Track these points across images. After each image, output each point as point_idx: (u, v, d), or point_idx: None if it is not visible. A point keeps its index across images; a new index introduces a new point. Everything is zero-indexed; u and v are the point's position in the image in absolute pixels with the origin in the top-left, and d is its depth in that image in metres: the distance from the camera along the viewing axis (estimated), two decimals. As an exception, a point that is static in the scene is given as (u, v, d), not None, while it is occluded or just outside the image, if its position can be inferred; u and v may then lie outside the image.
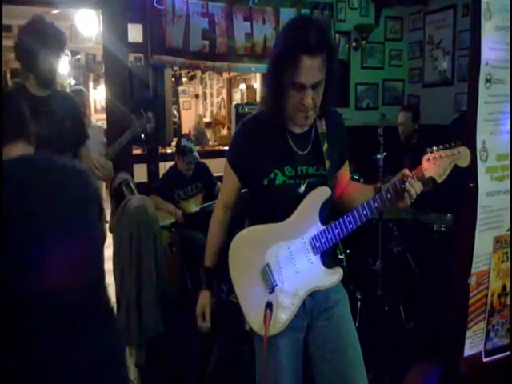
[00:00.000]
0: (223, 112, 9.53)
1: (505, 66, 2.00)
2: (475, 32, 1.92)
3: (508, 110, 2.02)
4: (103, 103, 6.70)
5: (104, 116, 4.30)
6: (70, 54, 5.65)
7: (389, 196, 1.45)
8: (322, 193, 1.50)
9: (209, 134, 8.67)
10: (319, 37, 1.34)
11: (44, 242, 1.12)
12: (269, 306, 1.44)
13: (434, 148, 1.48)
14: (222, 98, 9.67)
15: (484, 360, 2.11)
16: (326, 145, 1.53)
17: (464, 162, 1.51)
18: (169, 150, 4.43)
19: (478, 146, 1.95)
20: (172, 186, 3.67)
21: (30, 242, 1.10)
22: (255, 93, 7.54)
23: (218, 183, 3.74)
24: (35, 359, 1.12)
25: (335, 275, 1.52)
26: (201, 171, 3.79)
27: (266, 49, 4.24)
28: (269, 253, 1.49)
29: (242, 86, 8.76)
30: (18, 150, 1.25)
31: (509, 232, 2.10)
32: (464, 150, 1.50)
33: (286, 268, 1.49)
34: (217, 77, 9.47)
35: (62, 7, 4.23)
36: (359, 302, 3.07)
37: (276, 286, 1.48)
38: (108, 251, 2.50)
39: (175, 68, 5.91)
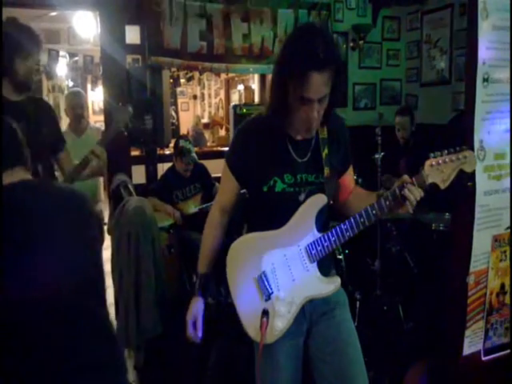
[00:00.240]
0: (221, 113, 9.53)
1: (502, 65, 2.00)
2: (472, 31, 1.93)
3: (505, 109, 2.03)
4: (101, 105, 6.69)
5: (102, 118, 4.29)
6: (67, 55, 5.65)
7: (387, 203, 1.42)
8: (319, 200, 1.49)
9: (207, 134, 8.67)
10: (328, 52, 1.32)
11: (44, 260, 1.14)
12: (265, 313, 1.44)
13: (438, 153, 1.42)
14: (220, 99, 9.67)
15: (483, 359, 2.11)
16: (326, 151, 1.52)
17: (470, 168, 1.45)
18: (167, 152, 4.43)
19: (476, 145, 1.96)
20: (170, 187, 3.67)
21: (30, 262, 1.12)
22: (253, 93, 7.54)
23: (217, 184, 3.74)
24: (35, 359, 1.13)
25: (332, 284, 1.50)
26: (199, 172, 3.79)
27: (263, 50, 4.24)
28: (265, 260, 1.49)
29: (240, 87, 8.76)
30: (16, 176, 1.25)
31: (507, 231, 2.10)
32: (470, 155, 1.44)
33: (281, 275, 1.48)
34: (215, 78, 9.47)
35: (60, 9, 4.23)
36: (358, 302, 3.07)
37: (272, 293, 1.47)
38: (106, 253, 2.49)
39: (173, 69, 5.90)
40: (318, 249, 1.46)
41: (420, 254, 3.36)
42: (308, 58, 1.31)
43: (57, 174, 2.46)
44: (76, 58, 6.05)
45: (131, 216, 2.70)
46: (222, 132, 8.89)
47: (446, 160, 1.41)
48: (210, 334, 1.70)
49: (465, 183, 1.93)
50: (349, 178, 1.67)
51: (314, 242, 1.47)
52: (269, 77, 4.44)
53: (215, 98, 9.96)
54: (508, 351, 2.14)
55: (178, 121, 8.37)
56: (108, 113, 3.17)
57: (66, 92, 5.95)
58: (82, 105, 3.69)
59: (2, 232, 1.12)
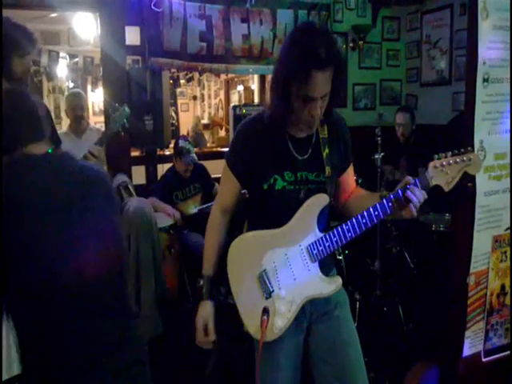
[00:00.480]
0: (221, 113, 9.52)
1: (502, 65, 2.00)
2: (472, 31, 1.92)
3: (505, 109, 2.02)
4: (101, 106, 6.69)
5: (102, 119, 4.29)
6: (68, 57, 5.65)
7: (390, 205, 1.40)
8: (320, 200, 1.48)
9: (207, 135, 8.66)
10: (329, 50, 1.32)
11: (78, 237, 1.17)
12: (265, 311, 1.44)
13: (442, 154, 1.40)
14: (220, 100, 9.66)
15: (483, 360, 2.11)
16: (326, 150, 1.51)
17: (475, 170, 1.43)
18: (167, 152, 4.43)
19: (476, 145, 1.95)
20: (170, 187, 3.67)
21: (55, 235, 1.13)
22: (253, 94, 7.54)
23: (217, 184, 3.74)
24: (62, 345, 1.13)
25: (333, 284, 1.49)
26: (199, 172, 3.79)
27: (263, 50, 4.24)
28: (266, 258, 1.48)
29: (240, 88, 8.75)
30: (41, 149, 1.28)
31: (507, 231, 2.10)
32: (475, 157, 1.41)
33: (282, 274, 1.48)
34: (214, 78, 9.47)
35: (60, 10, 4.23)
36: (358, 303, 3.07)
37: (273, 291, 1.47)
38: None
39: (173, 70, 5.90)
40: (320, 249, 1.46)
41: (420, 255, 3.36)
42: (310, 57, 1.31)
43: None
44: (76, 60, 6.04)
45: (131, 217, 2.70)
46: (222, 132, 8.88)
47: (451, 162, 1.39)
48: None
49: (465, 183, 1.93)
50: (350, 177, 1.66)
51: (315, 241, 1.47)
52: (268, 77, 4.44)
53: (215, 98, 9.95)
54: (508, 352, 2.13)
55: (178, 121, 8.36)
56: (107, 114, 3.18)
57: (66, 93, 5.94)
58: (82, 106, 3.68)
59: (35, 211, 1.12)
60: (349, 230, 1.43)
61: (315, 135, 1.52)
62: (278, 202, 1.49)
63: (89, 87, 7.48)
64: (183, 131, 8.31)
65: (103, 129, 4.05)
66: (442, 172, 1.39)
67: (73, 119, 3.68)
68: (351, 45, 4.68)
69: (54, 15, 5.00)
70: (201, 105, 10.50)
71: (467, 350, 2.05)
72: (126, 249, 1.35)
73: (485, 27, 1.92)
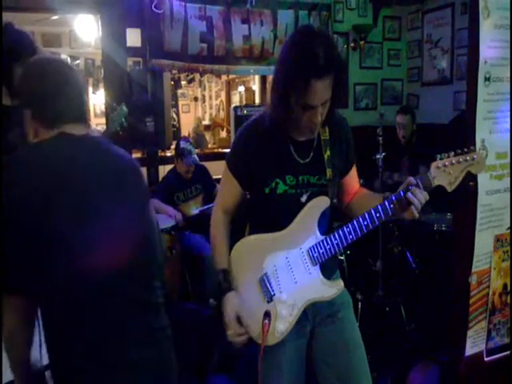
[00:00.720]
0: (222, 114, 9.52)
1: (503, 64, 1.99)
2: (473, 30, 1.92)
3: (507, 108, 2.02)
4: (102, 108, 6.70)
5: (103, 120, 4.30)
6: (69, 59, 5.66)
7: (391, 206, 1.38)
8: (321, 202, 1.47)
9: (208, 136, 8.66)
10: (328, 57, 1.30)
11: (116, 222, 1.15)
12: (267, 315, 1.43)
13: (445, 154, 1.38)
14: (221, 101, 9.66)
15: (485, 359, 2.10)
16: (328, 153, 1.50)
17: (479, 169, 1.41)
18: (168, 154, 4.43)
19: (478, 144, 1.95)
20: (172, 188, 3.67)
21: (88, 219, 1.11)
22: (254, 95, 7.54)
23: (218, 185, 3.74)
24: (89, 337, 1.13)
25: (335, 288, 1.49)
26: (200, 173, 3.79)
27: (264, 51, 4.24)
28: (267, 261, 1.48)
29: (241, 89, 8.75)
30: (79, 130, 1.24)
31: (509, 230, 2.09)
32: (479, 156, 1.39)
33: (283, 278, 1.47)
34: (215, 79, 9.47)
35: (62, 13, 4.24)
36: (360, 303, 3.07)
37: (274, 295, 1.46)
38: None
39: (174, 71, 5.91)
40: (321, 251, 1.45)
41: (422, 255, 3.35)
42: (308, 66, 1.29)
43: None
44: (77, 62, 6.06)
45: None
46: (223, 134, 8.88)
47: (454, 162, 1.37)
48: (211, 335, 1.69)
49: (466, 183, 1.92)
50: (353, 178, 1.64)
51: (316, 244, 1.46)
52: (269, 78, 4.44)
53: (216, 99, 9.95)
54: (511, 352, 2.12)
55: (179, 123, 8.37)
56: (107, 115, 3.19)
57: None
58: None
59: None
60: (350, 233, 1.42)
61: (316, 138, 1.51)
62: (279, 205, 1.48)
63: (90, 89, 7.49)
64: (184, 132, 8.31)
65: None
66: (445, 172, 1.38)
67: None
68: (352, 45, 4.67)
69: (55, 18, 5.01)
70: (202, 106, 10.50)
71: (469, 350, 2.04)
72: (155, 243, 1.31)
73: (486, 26, 1.91)
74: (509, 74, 2.00)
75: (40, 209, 1.08)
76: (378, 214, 1.40)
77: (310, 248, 1.46)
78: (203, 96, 10.43)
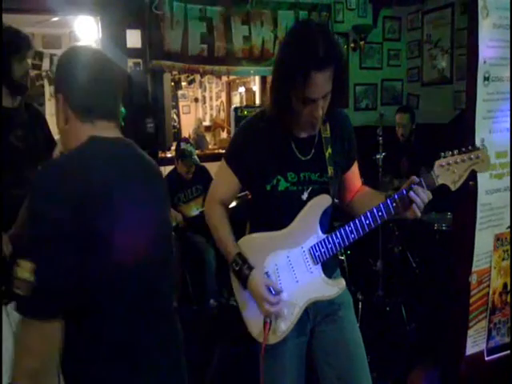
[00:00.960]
0: (222, 115, 9.53)
1: (503, 63, 2.00)
2: (472, 30, 1.92)
3: (506, 107, 2.02)
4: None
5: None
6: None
7: (394, 205, 1.37)
8: (323, 201, 1.46)
9: (208, 137, 8.66)
10: (328, 49, 1.29)
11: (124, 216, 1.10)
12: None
13: (449, 152, 1.36)
14: (222, 102, 9.66)
15: (486, 359, 2.10)
16: (329, 150, 1.49)
17: (483, 168, 1.39)
18: (169, 154, 4.44)
19: (477, 143, 1.95)
20: (172, 189, 3.67)
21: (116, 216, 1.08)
22: (254, 96, 7.53)
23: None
24: (107, 340, 1.10)
25: (336, 287, 1.47)
26: (201, 174, 3.80)
27: (264, 52, 4.25)
28: (268, 260, 1.47)
29: (241, 89, 8.75)
30: (111, 131, 1.19)
31: (509, 229, 2.09)
32: (484, 155, 1.36)
33: (284, 277, 1.46)
34: (216, 80, 9.47)
35: (61, 14, 4.25)
36: (360, 303, 3.07)
37: (275, 294, 1.45)
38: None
39: (174, 72, 5.92)
40: (322, 251, 1.44)
41: (422, 254, 3.35)
42: (308, 58, 1.29)
43: None
44: (78, 62, 6.07)
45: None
46: (224, 134, 8.88)
47: (458, 160, 1.35)
48: (212, 335, 1.69)
49: (466, 182, 1.92)
50: (354, 176, 1.63)
51: (317, 243, 1.44)
52: (269, 79, 4.44)
53: (216, 100, 9.95)
54: (511, 351, 2.12)
55: (180, 124, 8.38)
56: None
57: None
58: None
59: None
60: (352, 232, 1.41)
61: (318, 135, 1.50)
62: (280, 202, 1.47)
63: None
64: (185, 133, 8.32)
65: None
66: (449, 171, 1.36)
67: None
68: (352, 45, 4.68)
69: (55, 19, 5.03)
70: (202, 107, 10.51)
71: (470, 349, 2.05)
72: (170, 245, 1.31)
73: (485, 26, 1.92)
74: (508, 74, 2.00)
75: (90, 215, 1.03)
76: (380, 213, 1.38)
77: (312, 247, 1.45)
78: (204, 97, 10.43)
